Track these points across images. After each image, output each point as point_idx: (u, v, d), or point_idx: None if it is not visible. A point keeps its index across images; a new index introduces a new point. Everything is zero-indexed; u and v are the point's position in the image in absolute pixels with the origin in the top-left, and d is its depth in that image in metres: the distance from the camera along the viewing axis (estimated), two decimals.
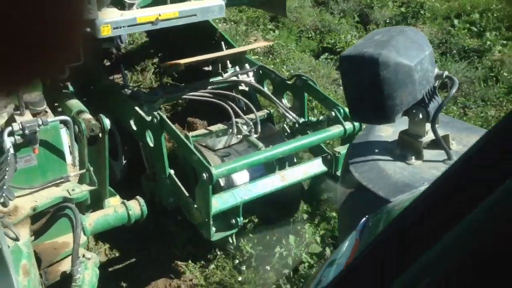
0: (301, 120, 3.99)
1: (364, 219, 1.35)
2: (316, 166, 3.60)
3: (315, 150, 3.86)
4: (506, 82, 5.51)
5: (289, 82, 4.06)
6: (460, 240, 0.65)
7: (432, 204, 0.76)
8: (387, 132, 1.75)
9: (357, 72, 1.48)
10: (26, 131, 2.59)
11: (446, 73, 1.60)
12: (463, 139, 1.70)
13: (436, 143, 1.62)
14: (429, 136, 1.63)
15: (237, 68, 4.30)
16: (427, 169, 1.59)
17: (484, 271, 0.61)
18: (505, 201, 0.62)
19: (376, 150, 1.66)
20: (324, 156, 3.65)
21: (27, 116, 2.74)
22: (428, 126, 1.61)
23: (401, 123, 1.65)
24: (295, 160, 3.91)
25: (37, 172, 2.79)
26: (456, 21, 6.85)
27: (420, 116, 1.59)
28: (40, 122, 2.64)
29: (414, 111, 1.58)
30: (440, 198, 0.74)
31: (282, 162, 3.52)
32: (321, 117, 4.06)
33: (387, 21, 7.21)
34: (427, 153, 1.65)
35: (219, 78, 4.20)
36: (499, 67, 5.77)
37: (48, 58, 0.49)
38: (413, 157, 1.62)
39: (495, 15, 6.72)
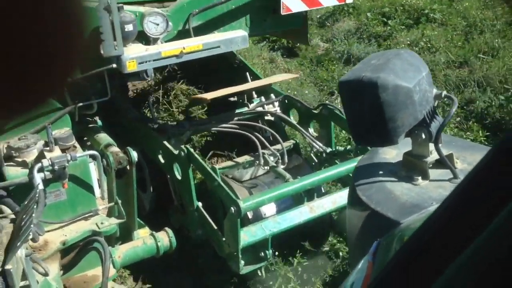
0: (328, 149, 3.98)
1: (376, 242, 1.34)
2: (344, 197, 3.55)
3: (343, 180, 3.84)
4: None
5: (315, 111, 4.07)
6: (471, 262, 0.65)
7: (440, 227, 0.75)
8: (391, 154, 1.74)
9: (357, 96, 1.49)
10: (56, 167, 2.65)
11: (444, 92, 1.60)
12: (467, 157, 1.68)
13: (441, 163, 1.60)
14: (433, 156, 1.62)
15: (263, 98, 4.34)
16: (434, 188, 1.58)
17: None
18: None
19: (382, 172, 1.66)
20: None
21: (57, 151, 2.82)
22: (431, 146, 1.60)
23: (405, 145, 1.64)
24: (324, 190, 3.89)
25: (66, 207, 2.86)
26: (369, 14, 8.60)
27: (423, 136, 1.59)
28: (69, 158, 2.70)
29: (416, 132, 1.58)
30: (449, 220, 0.74)
31: (310, 193, 3.51)
32: (348, 147, 4.04)
33: (319, 16, 8.94)
34: (433, 173, 1.63)
35: (245, 109, 4.24)
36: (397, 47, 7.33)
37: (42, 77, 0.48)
38: (419, 178, 1.61)
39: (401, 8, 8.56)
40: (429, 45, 7.28)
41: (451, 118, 1.60)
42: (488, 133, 5.07)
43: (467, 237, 0.66)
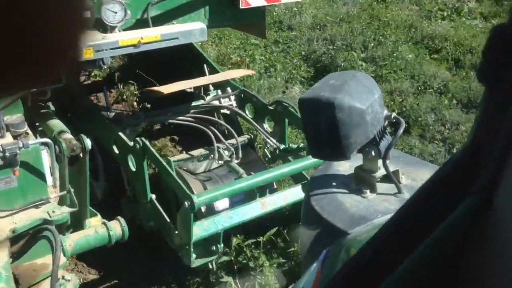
0: (282, 146, 4.06)
1: (325, 250, 1.43)
2: (296, 193, 3.66)
3: (295, 176, 3.94)
4: None
5: (270, 108, 4.13)
6: (407, 275, 0.71)
7: (386, 240, 0.82)
8: (344, 166, 1.85)
9: (315, 114, 1.59)
10: (7, 154, 2.61)
11: (394, 114, 1.72)
12: (412, 173, 1.82)
13: (388, 178, 1.72)
14: (381, 171, 1.73)
15: (219, 91, 4.37)
16: (380, 202, 1.69)
17: None
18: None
19: (334, 184, 1.76)
20: (304, 183, 3.72)
21: (8, 138, 2.77)
22: (380, 162, 1.72)
23: (357, 159, 1.75)
24: (275, 186, 3.98)
25: (17, 194, 2.81)
26: None
27: (373, 153, 1.70)
28: (21, 145, 2.66)
29: (367, 149, 1.69)
30: (392, 235, 0.81)
31: (262, 189, 3.59)
32: (301, 144, 4.14)
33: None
34: (380, 187, 1.75)
35: (201, 101, 4.27)
36: None
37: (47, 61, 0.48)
38: (368, 191, 1.72)
39: None
40: None
41: (398, 138, 1.72)
42: None
43: (406, 252, 0.74)
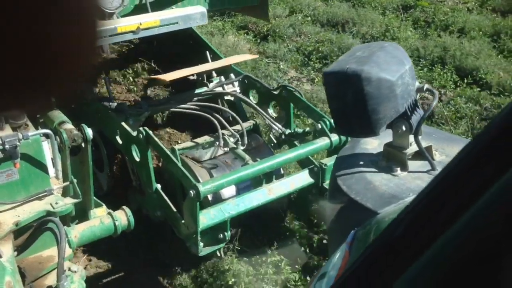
0: (287, 131, 3.99)
1: (353, 231, 1.35)
2: (303, 179, 3.61)
3: (301, 162, 3.86)
4: None
5: (275, 92, 4.06)
6: (435, 261, 0.66)
7: (420, 214, 0.76)
8: (372, 144, 1.76)
9: (341, 87, 1.50)
10: (7, 146, 2.57)
11: (426, 86, 1.62)
12: (445, 149, 1.73)
13: (420, 154, 1.63)
14: (413, 148, 1.65)
15: (223, 78, 4.30)
16: (412, 180, 1.61)
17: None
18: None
19: (362, 163, 1.68)
20: (311, 168, 3.66)
21: (7, 130, 2.72)
22: (411, 138, 1.63)
23: (386, 136, 1.66)
24: (282, 172, 3.91)
25: (19, 187, 2.76)
26: None
27: (403, 128, 1.61)
28: (21, 136, 2.62)
29: (397, 124, 1.60)
30: (426, 208, 0.75)
31: (269, 175, 3.52)
32: (307, 128, 4.06)
33: None
34: (412, 164, 1.66)
35: (205, 88, 4.20)
36: None
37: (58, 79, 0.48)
38: (398, 169, 1.63)
39: None
40: None
41: (430, 111, 1.63)
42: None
43: (433, 236, 0.67)
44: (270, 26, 7.45)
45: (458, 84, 6.01)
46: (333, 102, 1.55)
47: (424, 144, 1.62)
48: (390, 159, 1.65)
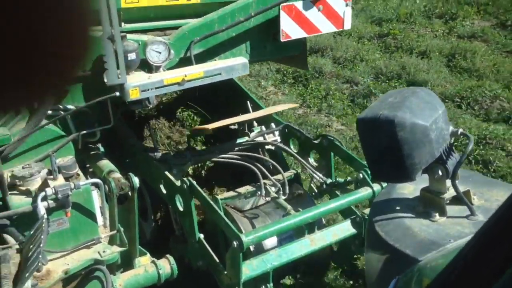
0: (328, 180, 4.00)
1: (394, 280, 1.35)
2: (345, 229, 3.59)
3: (343, 212, 3.85)
4: None
5: (315, 142, 4.10)
6: None
7: (469, 264, 0.76)
8: (409, 189, 1.77)
9: (375, 133, 1.53)
10: (59, 195, 2.64)
11: (461, 130, 1.64)
12: (484, 194, 1.71)
13: (458, 199, 1.63)
14: (450, 192, 1.64)
15: (263, 127, 4.37)
16: (451, 225, 1.60)
17: None
18: None
19: (399, 208, 1.68)
20: (353, 218, 3.65)
21: (60, 180, 2.81)
22: (448, 182, 1.63)
23: (422, 180, 1.67)
24: (324, 222, 3.90)
25: (69, 235, 2.84)
26: None
27: (440, 173, 1.62)
28: (73, 186, 2.70)
29: (433, 168, 1.61)
30: (475, 258, 0.75)
31: (311, 225, 3.52)
32: (348, 178, 4.07)
33: None
34: (450, 209, 1.66)
35: (246, 138, 4.27)
36: None
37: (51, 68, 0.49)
38: (436, 214, 1.63)
39: None
40: None
41: (467, 156, 1.63)
42: None
43: (492, 276, 0.67)
44: None
45: None
46: (367, 148, 1.57)
47: (461, 188, 1.62)
48: (427, 204, 1.65)
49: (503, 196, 1.73)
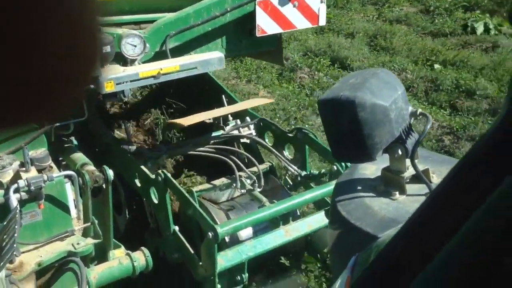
0: (303, 173, 4.04)
1: (354, 256, 1.39)
2: (319, 220, 3.63)
3: (318, 203, 3.91)
4: None
5: (290, 135, 4.14)
6: (453, 257, 0.67)
7: (417, 231, 0.79)
8: (370, 169, 1.81)
9: (336, 114, 1.56)
10: (32, 187, 2.64)
11: (420, 110, 1.69)
12: (442, 172, 1.76)
13: (418, 178, 1.67)
14: (410, 171, 1.69)
15: (238, 121, 4.40)
16: (410, 203, 1.64)
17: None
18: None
19: (361, 188, 1.72)
20: (327, 209, 3.68)
21: (33, 172, 2.80)
22: (408, 161, 1.68)
23: (383, 161, 1.71)
24: (298, 213, 3.95)
25: (42, 227, 2.83)
26: None
27: (400, 152, 1.66)
28: (46, 178, 2.69)
29: (393, 148, 1.65)
30: (424, 224, 0.78)
31: (286, 216, 3.57)
32: (322, 170, 4.12)
33: None
34: (410, 188, 1.70)
35: (221, 132, 4.30)
36: None
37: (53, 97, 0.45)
38: (396, 193, 1.67)
39: None
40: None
41: (425, 135, 1.68)
42: None
43: (440, 243, 0.69)
44: None
45: (330, 68, 8.29)
46: (329, 129, 1.61)
47: (421, 167, 1.67)
48: (388, 184, 1.70)
49: None
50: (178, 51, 3.69)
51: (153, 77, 3.26)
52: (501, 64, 7.58)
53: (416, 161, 1.64)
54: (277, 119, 5.86)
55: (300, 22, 3.99)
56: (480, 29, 9.37)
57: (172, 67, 3.33)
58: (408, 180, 1.69)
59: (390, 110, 1.53)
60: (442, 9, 10.56)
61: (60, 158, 3.51)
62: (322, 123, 1.66)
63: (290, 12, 3.89)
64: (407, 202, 1.64)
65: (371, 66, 7.95)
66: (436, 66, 7.96)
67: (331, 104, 1.56)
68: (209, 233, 3.07)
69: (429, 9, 10.76)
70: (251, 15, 3.80)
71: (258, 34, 3.83)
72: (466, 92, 6.92)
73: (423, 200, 1.61)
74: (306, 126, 5.60)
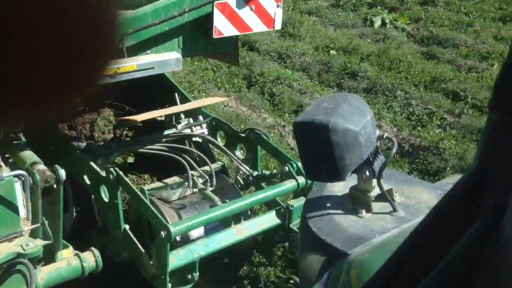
0: (255, 173, 4.09)
1: (327, 272, 1.45)
2: (270, 220, 3.70)
3: (268, 203, 3.97)
4: None
5: (242, 135, 4.17)
6: None
7: (395, 270, 0.83)
8: (338, 186, 1.89)
9: (310, 137, 1.63)
10: None
11: (386, 134, 1.79)
12: (404, 191, 1.88)
13: (382, 196, 1.77)
14: (376, 191, 1.79)
15: (191, 119, 4.38)
16: (376, 221, 1.74)
17: None
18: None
19: (330, 205, 1.80)
20: (278, 209, 3.76)
21: None
22: (374, 181, 1.77)
23: (351, 179, 1.80)
24: (249, 213, 4.00)
25: None
26: None
27: (367, 173, 1.75)
28: None
29: (361, 169, 1.74)
30: (401, 264, 0.83)
31: (237, 216, 3.61)
32: (274, 171, 4.18)
33: None
34: (376, 206, 1.80)
35: (173, 130, 4.27)
36: None
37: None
38: (363, 211, 1.76)
39: None
40: None
41: (391, 158, 1.78)
42: None
43: (416, 281, 0.74)
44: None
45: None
46: (302, 150, 1.68)
47: (385, 186, 1.77)
48: (355, 202, 1.79)
49: (420, 193, 1.90)
50: (134, 50, 3.63)
51: (110, 76, 3.19)
52: (385, 52, 8.72)
53: (381, 181, 1.74)
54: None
55: (257, 25, 4.01)
56: (377, 22, 10.51)
57: (129, 66, 3.29)
58: (373, 199, 1.79)
59: (360, 134, 1.61)
60: (350, 4, 11.75)
61: (7, 156, 3.38)
62: (296, 144, 1.73)
63: (247, 15, 3.90)
64: (373, 219, 1.73)
65: (276, 49, 8.88)
66: (332, 52, 9.03)
67: (306, 127, 1.63)
68: (162, 232, 3.07)
69: (339, 4, 11.85)
70: (209, 17, 3.79)
71: (215, 35, 3.82)
72: (351, 74, 8.03)
73: (387, 218, 1.70)
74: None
